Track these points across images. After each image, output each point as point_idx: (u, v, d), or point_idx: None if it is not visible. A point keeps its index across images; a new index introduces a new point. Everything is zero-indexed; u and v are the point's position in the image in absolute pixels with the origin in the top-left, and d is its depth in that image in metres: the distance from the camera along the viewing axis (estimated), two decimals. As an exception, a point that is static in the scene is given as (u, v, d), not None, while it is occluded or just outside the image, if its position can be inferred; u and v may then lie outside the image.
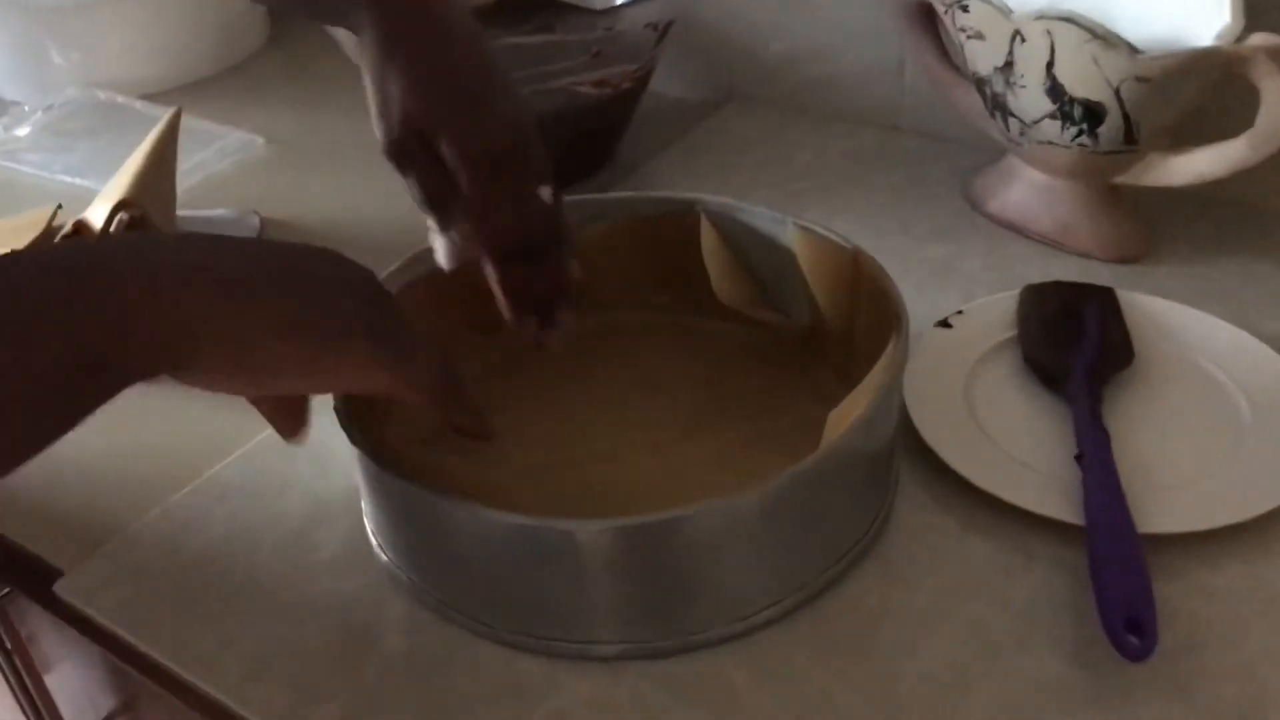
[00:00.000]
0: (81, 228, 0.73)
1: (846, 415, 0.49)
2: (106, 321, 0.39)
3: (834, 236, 0.61)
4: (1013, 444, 0.58)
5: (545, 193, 0.58)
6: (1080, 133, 0.69)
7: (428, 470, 0.50)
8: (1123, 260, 0.72)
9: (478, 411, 0.51)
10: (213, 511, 0.59)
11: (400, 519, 0.52)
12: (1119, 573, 0.49)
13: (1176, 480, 0.56)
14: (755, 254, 0.65)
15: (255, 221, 0.82)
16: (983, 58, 0.71)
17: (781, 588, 0.50)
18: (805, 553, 0.51)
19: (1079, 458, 0.55)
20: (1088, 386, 0.59)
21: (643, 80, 0.82)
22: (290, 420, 0.49)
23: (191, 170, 0.90)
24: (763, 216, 0.63)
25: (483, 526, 0.47)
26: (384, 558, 0.55)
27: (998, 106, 0.73)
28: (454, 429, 0.51)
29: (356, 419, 0.51)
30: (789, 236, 0.62)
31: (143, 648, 0.53)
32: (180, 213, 0.82)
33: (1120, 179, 0.71)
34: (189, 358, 0.41)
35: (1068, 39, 0.65)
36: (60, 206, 0.81)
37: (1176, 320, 0.65)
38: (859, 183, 0.83)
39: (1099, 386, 0.60)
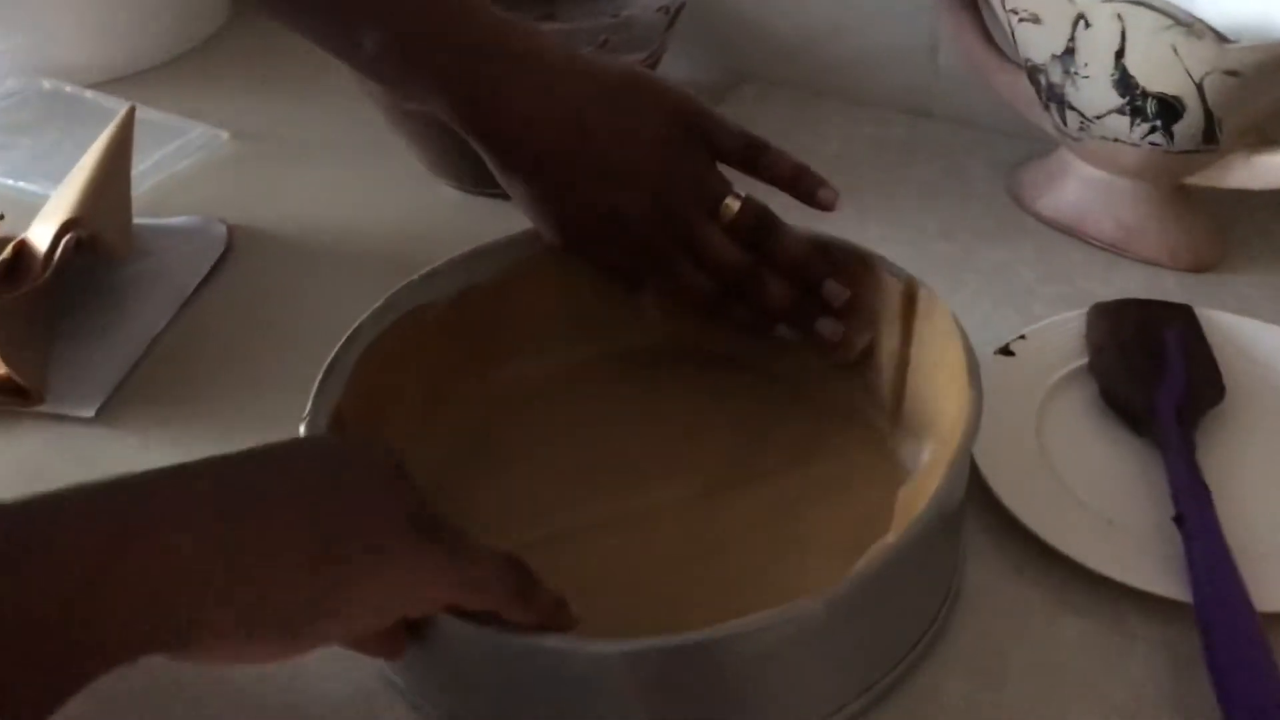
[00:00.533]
0: (24, 249, 0.65)
1: (918, 497, 0.42)
2: (71, 593, 0.30)
3: (884, 261, 0.53)
4: (1097, 497, 0.51)
5: (731, 206, 0.54)
6: (1153, 130, 0.61)
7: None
8: (1195, 269, 0.65)
9: (556, 607, 0.41)
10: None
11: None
12: (1246, 673, 0.42)
13: (1288, 542, 0.49)
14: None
15: (222, 230, 0.74)
16: (1038, 43, 0.64)
17: (844, 693, 0.43)
18: (871, 650, 0.43)
19: (1178, 519, 0.48)
20: (1180, 431, 0.52)
21: (652, 68, 0.74)
22: (380, 637, 0.40)
23: (149, 171, 0.81)
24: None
25: (491, 649, 0.39)
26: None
27: (1054, 98, 0.65)
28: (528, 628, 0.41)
29: None
30: (829, 259, 0.55)
31: (101, 767, 0.45)
32: (138, 221, 0.74)
33: (1193, 179, 0.64)
34: (191, 622, 0.32)
35: (1142, 25, 0.57)
36: (2, 216, 0.72)
37: (1265, 343, 0.58)
38: (891, 177, 0.76)
39: (1191, 429, 0.52)
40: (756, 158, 0.54)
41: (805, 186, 0.54)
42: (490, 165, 0.54)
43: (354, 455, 0.39)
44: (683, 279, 0.54)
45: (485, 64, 0.51)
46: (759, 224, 0.54)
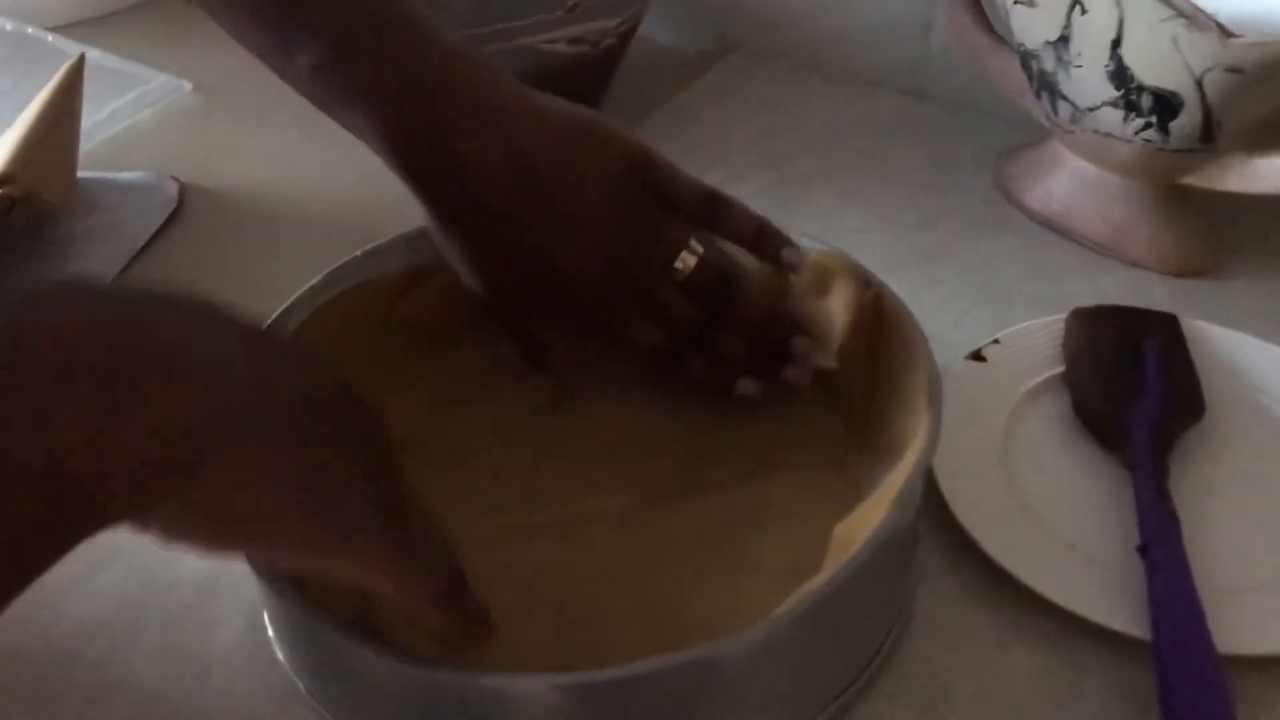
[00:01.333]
0: (-44, 203, 0.62)
1: (857, 531, 0.39)
2: (82, 405, 0.26)
3: (853, 265, 0.49)
4: (1060, 520, 0.48)
5: (687, 262, 0.50)
6: (1147, 126, 0.57)
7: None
8: (1184, 274, 0.62)
9: (480, 617, 0.39)
10: (93, 578, 0.49)
11: (301, 643, 0.42)
12: (1202, 718, 0.39)
13: (1261, 578, 0.46)
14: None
15: (173, 189, 0.71)
16: (1031, 28, 0.60)
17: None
18: (808, 683, 0.41)
19: (1142, 550, 0.45)
20: (1152, 454, 0.49)
21: (627, 36, 0.70)
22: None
23: (105, 121, 0.78)
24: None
25: (392, 676, 0.37)
26: (285, 664, 0.45)
27: (1045, 86, 0.61)
28: (447, 631, 0.39)
29: None
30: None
31: (-11, 767, 0.43)
32: (84, 174, 0.71)
33: (1188, 180, 0.61)
34: (199, 457, 0.29)
35: (1141, 14, 0.54)
36: (-54, 165, 0.69)
37: (1252, 359, 0.55)
38: (875, 161, 0.72)
39: (1165, 450, 0.49)
40: (714, 214, 0.50)
41: (768, 246, 0.50)
42: (425, 211, 0.49)
43: (350, 407, 0.35)
44: (633, 336, 0.51)
45: (428, 101, 0.47)
46: (718, 278, 0.51)
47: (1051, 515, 0.48)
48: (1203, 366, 0.54)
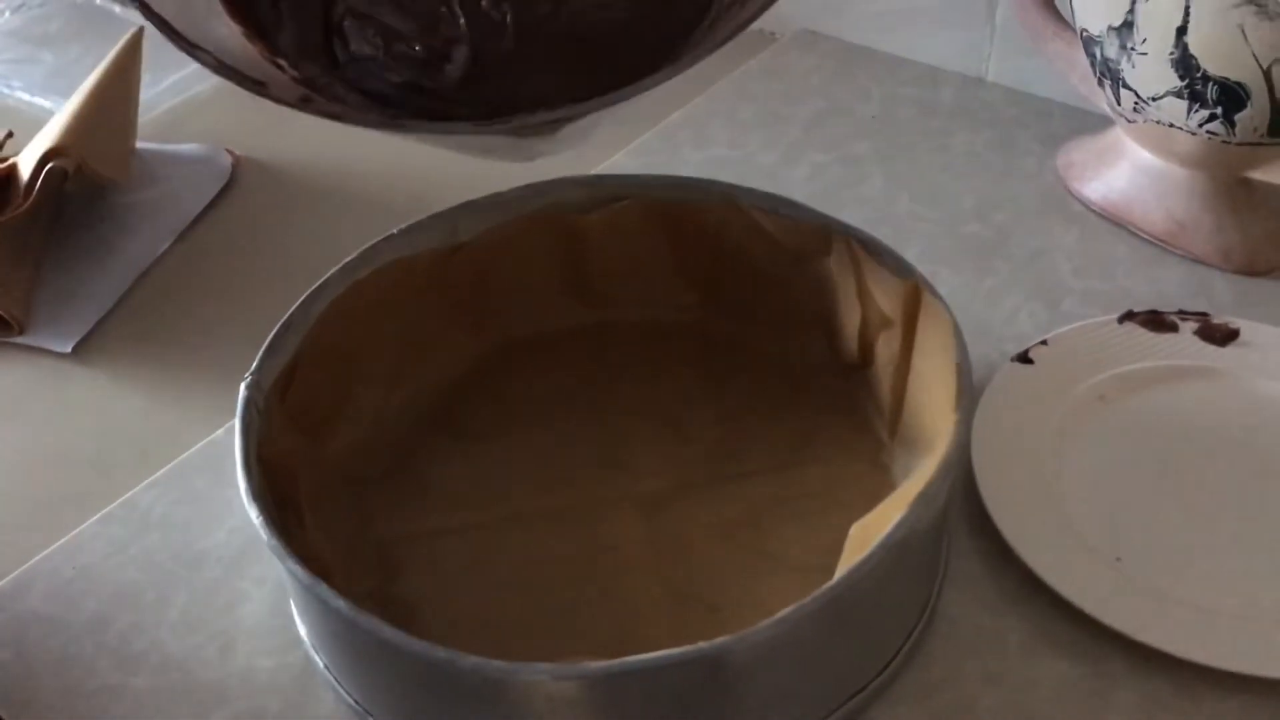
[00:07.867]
0: (13, 173, 0.63)
1: (874, 531, 0.38)
2: None
3: (890, 257, 0.48)
4: (1106, 533, 0.46)
5: None
6: (1212, 117, 0.55)
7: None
8: (1249, 272, 0.59)
9: None
10: (125, 549, 0.50)
11: (322, 624, 0.42)
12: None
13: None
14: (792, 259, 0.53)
15: (226, 162, 0.71)
16: (1094, 12, 0.58)
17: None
18: (817, 684, 0.40)
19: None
20: (1200, 461, 0.47)
21: None
22: None
23: (165, 92, 0.79)
24: (808, 217, 0.51)
25: (406, 659, 0.37)
26: (307, 642, 0.45)
27: (1108, 73, 0.59)
28: None
29: (279, 522, 0.41)
30: (838, 249, 0.50)
31: (19, 731, 0.44)
32: (144, 145, 0.72)
33: (1257, 174, 0.58)
34: None
35: (1208, 0, 0.51)
36: (11, 134, 0.71)
37: (1315, 364, 0.53)
38: (933, 146, 0.70)
39: (1214, 458, 0.48)
40: None
41: None
42: None
43: None
44: None
45: None
46: None
47: (1096, 527, 0.47)
48: (1264, 370, 0.52)
